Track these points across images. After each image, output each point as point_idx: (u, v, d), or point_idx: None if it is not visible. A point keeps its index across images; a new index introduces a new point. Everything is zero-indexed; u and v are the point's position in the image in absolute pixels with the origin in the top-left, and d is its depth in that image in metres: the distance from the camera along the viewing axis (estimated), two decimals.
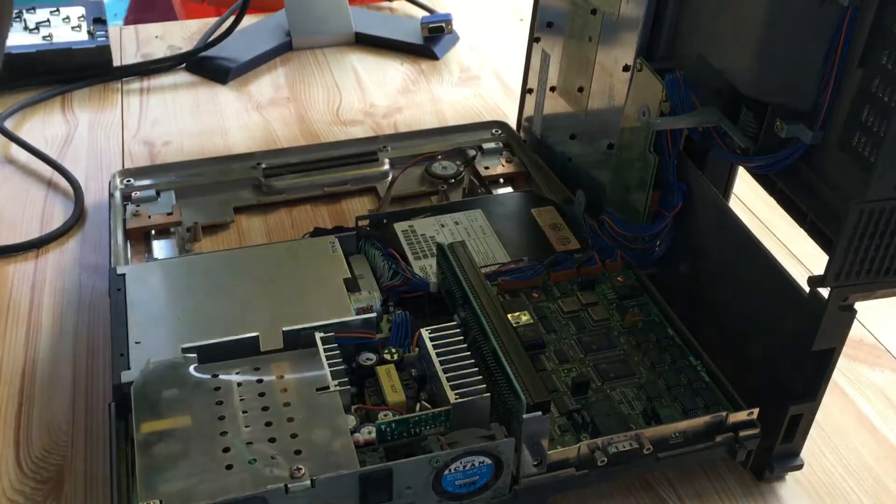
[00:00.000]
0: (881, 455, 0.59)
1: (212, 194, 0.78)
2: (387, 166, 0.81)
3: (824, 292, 0.49)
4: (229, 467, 0.47)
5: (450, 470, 0.48)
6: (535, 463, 0.50)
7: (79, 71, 0.96)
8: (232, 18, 0.99)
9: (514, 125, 0.86)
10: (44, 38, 0.97)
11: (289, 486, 0.45)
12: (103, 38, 0.97)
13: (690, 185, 0.61)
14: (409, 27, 1.07)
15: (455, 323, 0.55)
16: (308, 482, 0.45)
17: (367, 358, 0.55)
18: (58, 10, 1.02)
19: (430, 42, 1.05)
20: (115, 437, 0.52)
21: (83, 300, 0.69)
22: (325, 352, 0.53)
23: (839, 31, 0.46)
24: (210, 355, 0.53)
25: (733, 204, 0.62)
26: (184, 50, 1.03)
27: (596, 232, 0.67)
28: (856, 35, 0.46)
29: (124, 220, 0.73)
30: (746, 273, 0.57)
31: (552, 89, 0.77)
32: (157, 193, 0.76)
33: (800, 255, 0.73)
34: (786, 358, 0.53)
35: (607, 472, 0.52)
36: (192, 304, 0.60)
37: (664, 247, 0.64)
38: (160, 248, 0.72)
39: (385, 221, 0.71)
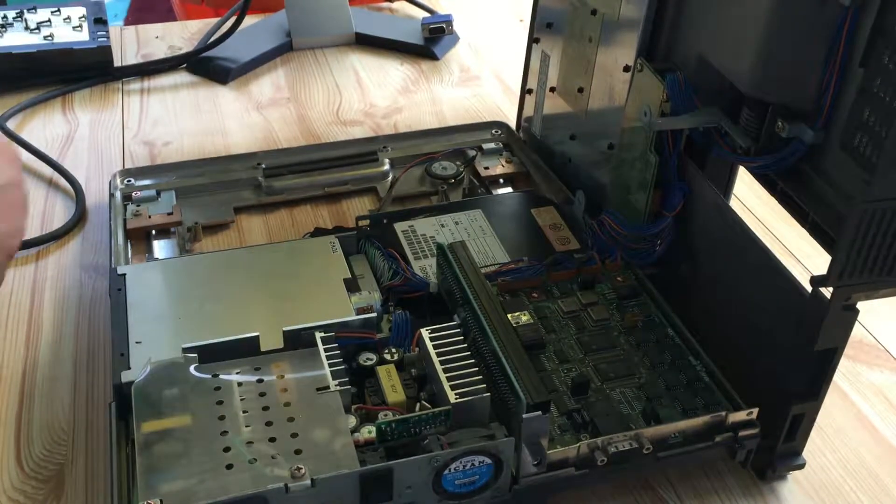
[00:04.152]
0: (881, 455, 0.59)
1: (212, 194, 0.78)
2: (387, 166, 0.81)
3: (826, 292, 0.49)
4: (230, 467, 0.47)
5: (450, 469, 0.48)
6: (535, 462, 0.50)
7: (79, 71, 0.96)
8: (233, 19, 0.99)
9: (513, 125, 0.86)
10: (45, 38, 0.97)
11: (289, 485, 0.45)
12: (104, 39, 0.97)
13: (691, 186, 0.61)
14: (410, 28, 1.07)
15: (455, 323, 0.55)
16: (308, 482, 0.45)
17: (368, 358, 0.55)
18: (59, 10, 1.02)
19: (430, 42, 1.05)
20: (116, 437, 0.52)
21: (83, 300, 0.69)
22: (325, 352, 0.53)
23: (840, 30, 0.46)
24: (210, 355, 0.53)
25: (733, 204, 0.62)
26: (184, 50, 1.03)
27: (596, 232, 0.67)
28: (857, 35, 0.46)
29: (125, 220, 0.73)
30: (747, 273, 0.57)
31: (552, 90, 0.77)
32: (158, 193, 0.76)
33: (799, 255, 0.73)
34: (787, 357, 0.53)
35: (607, 471, 0.52)
36: (192, 304, 0.60)
37: (664, 247, 0.64)
38: (160, 248, 0.72)
39: (385, 221, 0.70)
